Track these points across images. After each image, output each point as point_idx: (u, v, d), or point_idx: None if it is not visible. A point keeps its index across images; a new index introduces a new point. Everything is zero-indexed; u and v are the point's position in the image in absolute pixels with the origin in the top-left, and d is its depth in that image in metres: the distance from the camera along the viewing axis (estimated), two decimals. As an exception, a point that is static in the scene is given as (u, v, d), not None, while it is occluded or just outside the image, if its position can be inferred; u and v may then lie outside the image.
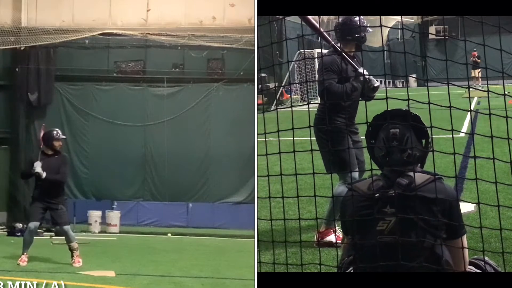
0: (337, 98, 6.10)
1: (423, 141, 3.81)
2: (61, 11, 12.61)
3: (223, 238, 11.65)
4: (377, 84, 6.20)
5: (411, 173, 3.60)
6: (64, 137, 8.45)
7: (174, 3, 12.73)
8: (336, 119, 6.28)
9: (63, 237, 8.35)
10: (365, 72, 6.16)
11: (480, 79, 25.42)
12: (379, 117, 3.81)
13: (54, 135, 8.26)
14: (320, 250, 5.13)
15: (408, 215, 3.51)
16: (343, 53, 6.22)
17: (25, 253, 8.07)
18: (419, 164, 3.79)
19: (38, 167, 8.00)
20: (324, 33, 6.30)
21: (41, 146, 8.25)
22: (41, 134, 8.32)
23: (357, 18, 6.25)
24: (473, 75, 25.66)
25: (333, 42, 6.40)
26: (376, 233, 3.55)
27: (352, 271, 3.69)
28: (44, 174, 7.99)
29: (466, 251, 3.65)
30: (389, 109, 3.77)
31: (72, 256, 8.10)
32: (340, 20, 6.51)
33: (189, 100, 13.05)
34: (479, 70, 25.71)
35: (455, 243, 3.63)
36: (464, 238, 3.69)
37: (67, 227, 8.19)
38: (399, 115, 3.76)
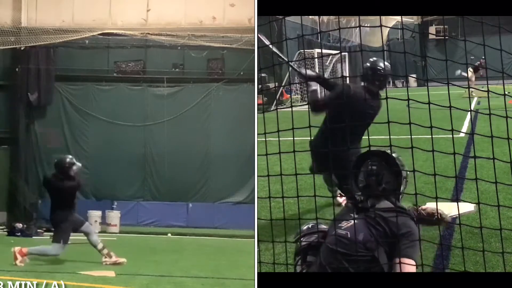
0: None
1: (399, 178, 4.20)
2: (61, 11, 12.61)
3: (223, 238, 11.64)
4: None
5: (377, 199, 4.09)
6: (79, 164, 8.53)
7: (174, 3, 12.73)
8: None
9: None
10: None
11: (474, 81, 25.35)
12: (363, 154, 4.35)
13: (67, 162, 8.36)
14: (320, 250, 5.12)
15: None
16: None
17: (29, 253, 8.03)
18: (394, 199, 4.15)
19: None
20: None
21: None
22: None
23: (382, 65, 6.71)
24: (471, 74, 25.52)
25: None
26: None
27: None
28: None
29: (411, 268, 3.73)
30: (372, 150, 4.25)
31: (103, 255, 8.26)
32: (369, 64, 6.83)
33: (189, 100, 13.05)
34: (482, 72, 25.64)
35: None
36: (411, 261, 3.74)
37: (88, 227, 8.46)
38: (379, 154, 4.24)
